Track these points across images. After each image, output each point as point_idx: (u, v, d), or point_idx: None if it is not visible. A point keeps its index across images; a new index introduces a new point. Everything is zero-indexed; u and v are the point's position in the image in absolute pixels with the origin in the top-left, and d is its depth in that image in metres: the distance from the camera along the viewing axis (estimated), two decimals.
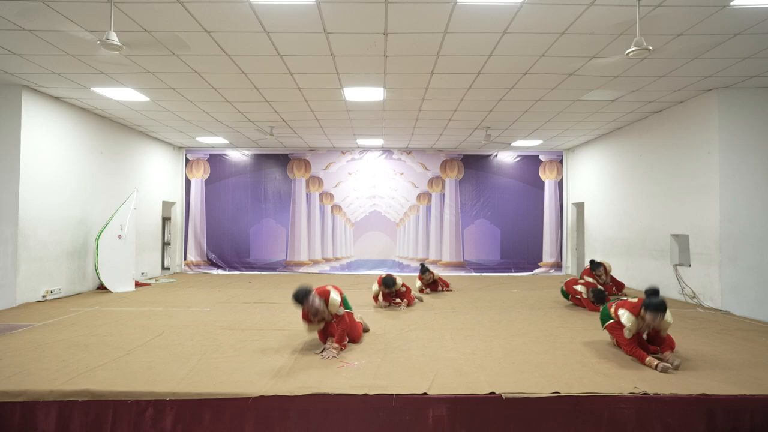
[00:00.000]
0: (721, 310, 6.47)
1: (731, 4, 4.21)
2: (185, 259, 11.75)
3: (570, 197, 11.87)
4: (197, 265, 11.68)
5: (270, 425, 3.15)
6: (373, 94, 7.06)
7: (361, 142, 11.01)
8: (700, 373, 3.69)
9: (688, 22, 4.53)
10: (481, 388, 3.32)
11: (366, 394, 3.22)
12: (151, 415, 3.17)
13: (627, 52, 4.03)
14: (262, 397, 3.19)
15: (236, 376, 3.57)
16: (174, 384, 3.35)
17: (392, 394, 3.22)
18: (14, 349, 4.24)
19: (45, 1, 4.20)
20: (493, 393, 3.25)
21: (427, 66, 5.87)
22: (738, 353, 4.30)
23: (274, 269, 11.70)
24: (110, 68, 5.97)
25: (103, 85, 6.64)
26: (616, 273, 9.48)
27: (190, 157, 11.93)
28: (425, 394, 3.24)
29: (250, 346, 4.45)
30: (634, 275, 8.84)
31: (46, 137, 7.20)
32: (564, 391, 3.28)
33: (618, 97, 7.20)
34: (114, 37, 4.05)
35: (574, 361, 4.04)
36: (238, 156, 11.96)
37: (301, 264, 11.81)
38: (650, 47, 3.91)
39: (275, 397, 3.19)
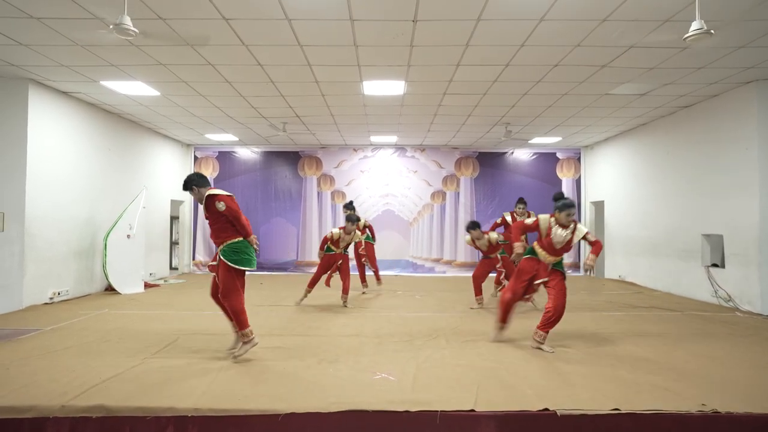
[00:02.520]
0: (762, 315, 6.14)
1: None
2: (194, 258, 11.49)
3: (588, 196, 11.53)
4: (206, 265, 11.41)
5: None
6: (393, 87, 6.76)
7: (374, 139, 10.71)
8: None
9: (746, 4, 4.19)
10: (532, 404, 3.03)
11: (408, 411, 2.92)
12: None
13: (685, 36, 3.71)
14: (293, 414, 2.90)
15: (262, 389, 3.28)
16: (195, 399, 3.07)
17: (436, 411, 2.93)
18: (22, 358, 3.96)
19: None
20: (546, 409, 2.95)
21: (454, 57, 5.57)
22: None
23: (285, 269, 11.42)
24: (120, 60, 5.69)
25: (112, 78, 6.37)
26: (638, 273, 9.17)
27: (198, 154, 11.66)
28: (472, 410, 2.94)
29: (272, 354, 4.16)
30: (658, 276, 8.52)
31: (53, 133, 6.93)
32: (624, 408, 2.98)
33: (648, 90, 6.88)
34: (128, 22, 3.77)
35: (623, 371, 3.73)
36: (248, 153, 11.68)
37: (312, 264, 11.49)
38: (712, 31, 3.59)
39: (308, 414, 2.91)
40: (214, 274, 4.26)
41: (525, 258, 4.54)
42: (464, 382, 3.44)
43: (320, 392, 3.21)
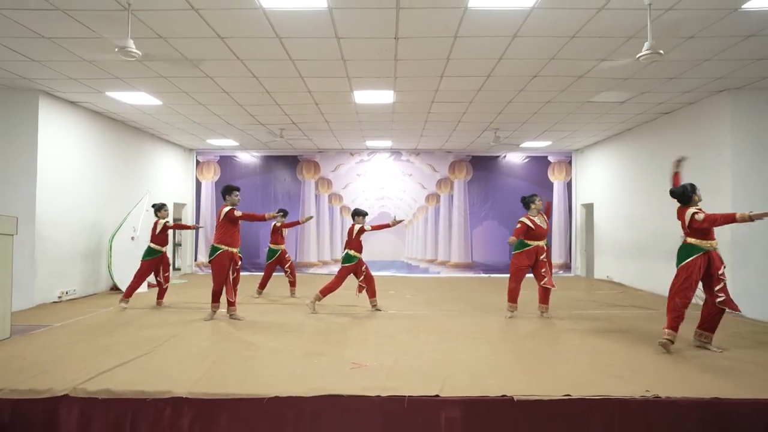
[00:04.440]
0: (733, 313, 6.40)
1: (744, 6, 4.20)
2: (196, 260, 11.88)
3: (579, 198, 11.83)
4: (208, 266, 11.78)
5: (285, 426, 3.21)
6: (383, 97, 7.11)
7: (370, 143, 11.07)
8: (714, 376, 3.70)
9: (700, 24, 4.52)
10: (493, 390, 3.35)
11: (378, 396, 3.26)
12: (169, 414, 3.24)
13: (638, 56, 4.04)
14: (276, 397, 3.25)
15: (251, 377, 3.63)
16: (191, 384, 3.42)
17: (404, 396, 3.26)
18: (36, 350, 4.34)
19: (64, 9, 4.30)
20: (504, 395, 3.28)
21: (437, 69, 5.91)
22: (752, 356, 4.30)
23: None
24: (124, 73, 6.08)
25: (117, 89, 6.76)
26: (626, 274, 9.46)
27: (200, 159, 12.06)
28: (437, 396, 3.28)
29: (264, 347, 4.52)
30: (644, 277, 8.81)
31: (61, 141, 7.33)
32: (575, 394, 3.30)
33: (628, 98, 7.19)
34: (131, 45, 4.14)
35: (583, 363, 4.06)
36: (248, 158, 12.07)
37: (310, 265, 11.89)
38: (661, 51, 3.92)
39: (290, 398, 3.25)
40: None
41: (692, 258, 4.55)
42: (435, 372, 3.77)
43: (303, 380, 3.55)
